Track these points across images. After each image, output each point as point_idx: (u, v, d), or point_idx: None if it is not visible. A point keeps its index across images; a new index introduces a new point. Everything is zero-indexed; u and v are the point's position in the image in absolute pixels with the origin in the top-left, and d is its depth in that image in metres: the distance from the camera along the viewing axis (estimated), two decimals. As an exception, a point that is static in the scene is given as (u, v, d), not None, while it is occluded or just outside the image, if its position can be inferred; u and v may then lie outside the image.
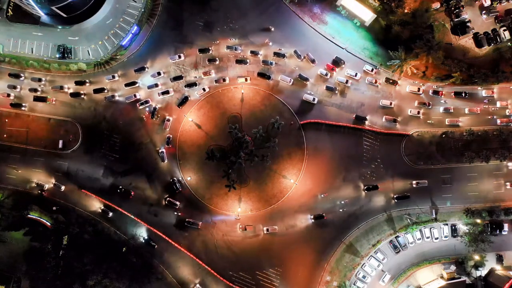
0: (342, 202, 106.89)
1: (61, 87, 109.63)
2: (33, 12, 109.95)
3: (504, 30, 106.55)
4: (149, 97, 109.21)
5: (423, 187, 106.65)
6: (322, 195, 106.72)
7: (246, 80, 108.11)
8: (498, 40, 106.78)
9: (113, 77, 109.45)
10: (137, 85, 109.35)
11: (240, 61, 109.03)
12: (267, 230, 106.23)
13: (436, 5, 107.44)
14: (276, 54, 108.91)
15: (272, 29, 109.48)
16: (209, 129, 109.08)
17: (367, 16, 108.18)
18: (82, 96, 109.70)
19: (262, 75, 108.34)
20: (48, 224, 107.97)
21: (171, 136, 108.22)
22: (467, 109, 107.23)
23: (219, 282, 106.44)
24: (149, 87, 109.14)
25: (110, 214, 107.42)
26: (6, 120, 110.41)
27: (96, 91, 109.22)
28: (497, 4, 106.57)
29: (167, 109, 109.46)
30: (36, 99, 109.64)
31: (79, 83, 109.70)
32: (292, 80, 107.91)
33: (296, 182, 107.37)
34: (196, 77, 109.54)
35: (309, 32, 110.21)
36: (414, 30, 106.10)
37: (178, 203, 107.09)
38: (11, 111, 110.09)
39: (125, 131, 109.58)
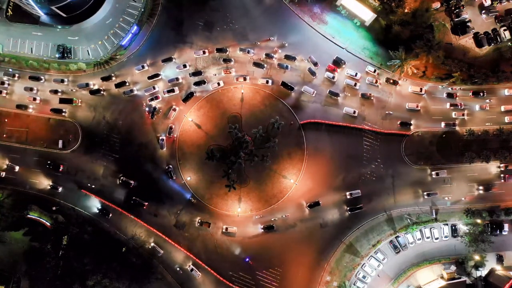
0: (284, 216, 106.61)
1: (87, 84, 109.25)
2: (32, 12, 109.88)
3: (505, 30, 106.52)
4: (159, 93, 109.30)
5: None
6: (256, 217, 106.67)
7: (267, 82, 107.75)
8: (498, 40, 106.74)
9: (143, 67, 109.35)
10: (160, 77, 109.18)
11: (258, 64, 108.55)
12: (226, 229, 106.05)
13: (436, 5, 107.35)
14: (287, 57, 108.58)
15: (286, 44, 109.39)
16: (209, 129, 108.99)
17: (367, 16, 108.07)
18: (102, 92, 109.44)
19: (285, 85, 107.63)
20: (48, 224, 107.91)
21: (173, 126, 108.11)
22: (503, 107, 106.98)
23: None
24: (170, 81, 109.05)
25: (60, 189, 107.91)
26: (6, 120, 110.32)
27: (118, 85, 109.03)
28: (497, 3, 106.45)
29: (173, 101, 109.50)
30: (62, 101, 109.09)
31: (105, 78, 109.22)
32: (315, 92, 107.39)
33: (296, 182, 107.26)
34: (215, 74, 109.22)
35: (309, 32, 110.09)
36: (414, 30, 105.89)
37: (132, 182, 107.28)
38: (10, 111, 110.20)
39: (125, 131, 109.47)
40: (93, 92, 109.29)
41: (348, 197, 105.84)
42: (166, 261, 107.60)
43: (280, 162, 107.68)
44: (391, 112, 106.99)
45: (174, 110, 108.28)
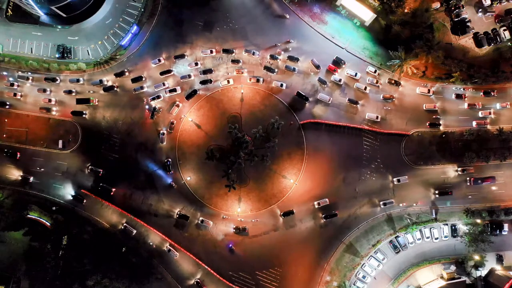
0: (254, 220, 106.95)
1: (100, 81, 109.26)
2: (32, 12, 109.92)
3: (504, 30, 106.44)
4: (160, 92, 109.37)
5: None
6: (224, 216, 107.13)
7: (281, 85, 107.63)
8: (498, 40, 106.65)
9: (159, 60, 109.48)
10: (172, 73, 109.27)
11: (269, 69, 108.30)
12: (202, 221, 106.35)
13: (436, 4, 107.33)
14: (290, 58, 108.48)
15: (290, 49, 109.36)
16: (209, 129, 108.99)
17: (367, 15, 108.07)
18: (116, 88, 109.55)
19: (300, 95, 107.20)
20: (48, 224, 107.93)
21: (175, 121, 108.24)
22: None
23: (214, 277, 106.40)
24: (182, 78, 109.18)
25: (31, 179, 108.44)
26: (6, 120, 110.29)
27: (134, 80, 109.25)
28: (497, 4, 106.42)
29: (177, 97, 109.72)
30: (79, 101, 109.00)
31: (118, 74, 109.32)
32: (331, 98, 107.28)
33: (296, 182, 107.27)
34: (228, 73, 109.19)
35: (309, 32, 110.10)
36: (414, 30, 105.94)
37: (100, 170, 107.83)
38: (6, 110, 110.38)
39: (125, 131, 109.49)
40: (107, 89, 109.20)
41: (316, 206, 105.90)
42: (142, 240, 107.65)
43: (280, 162, 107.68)
44: (439, 117, 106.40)
45: (178, 106, 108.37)
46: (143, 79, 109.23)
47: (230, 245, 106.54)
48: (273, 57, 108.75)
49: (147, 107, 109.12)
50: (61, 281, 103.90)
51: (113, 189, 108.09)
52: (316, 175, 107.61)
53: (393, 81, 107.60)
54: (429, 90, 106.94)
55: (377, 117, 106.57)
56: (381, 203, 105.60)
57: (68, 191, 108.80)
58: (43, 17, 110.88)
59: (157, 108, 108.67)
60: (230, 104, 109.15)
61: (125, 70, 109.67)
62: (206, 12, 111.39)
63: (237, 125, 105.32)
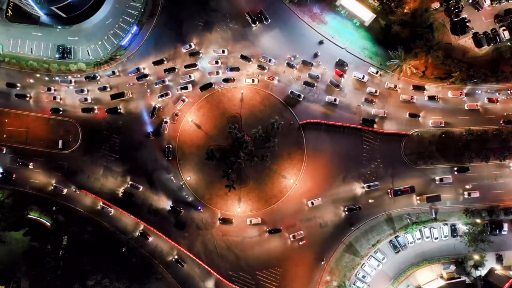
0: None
1: (137, 69, 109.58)
2: (32, 12, 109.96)
3: (504, 30, 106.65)
4: (173, 88, 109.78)
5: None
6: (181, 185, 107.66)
7: (335, 100, 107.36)
8: (498, 40, 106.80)
9: (190, 46, 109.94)
10: (196, 67, 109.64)
11: (308, 83, 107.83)
12: (131, 185, 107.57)
13: (436, 5, 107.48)
14: (304, 62, 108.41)
15: (297, 56, 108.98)
16: (209, 129, 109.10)
17: (367, 16, 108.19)
18: (149, 77, 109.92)
19: (366, 120, 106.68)
20: (48, 224, 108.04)
21: (179, 113, 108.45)
22: None
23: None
24: (210, 73, 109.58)
25: None
26: (6, 120, 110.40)
27: (167, 70, 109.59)
28: (496, 4, 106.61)
29: (185, 93, 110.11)
30: (114, 96, 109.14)
31: (157, 62, 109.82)
32: (386, 112, 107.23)
33: (296, 182, 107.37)
34: (258, 75, 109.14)
35: (308, 32, 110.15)
36: (414, 30, 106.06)
37: (4, 148, 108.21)
38: (10, 111, 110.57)
39: (125, 131, 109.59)
40: (140, 78, 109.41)
41: (248, 223, 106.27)
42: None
43: (280, 162, 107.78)
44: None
45: (183, 101, 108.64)
46: (176, 70, 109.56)
47: (199, 207, 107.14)
48: (289, 64, 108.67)
49: (148, 90, 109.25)
50: (61, 281, 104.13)
51: (31, 163, 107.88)
52: (316, 175, 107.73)
53: (407, 85, 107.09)
54: (461, 93, 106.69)
55: (440, 123, 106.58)
56: (291, 235, 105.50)
57: None
58: (43, 18, 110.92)
59: (157, 107, 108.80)
60: (230, 104, 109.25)
61: (164, 58, 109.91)
62: (206, 12, 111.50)
63: (237, 125, 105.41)
